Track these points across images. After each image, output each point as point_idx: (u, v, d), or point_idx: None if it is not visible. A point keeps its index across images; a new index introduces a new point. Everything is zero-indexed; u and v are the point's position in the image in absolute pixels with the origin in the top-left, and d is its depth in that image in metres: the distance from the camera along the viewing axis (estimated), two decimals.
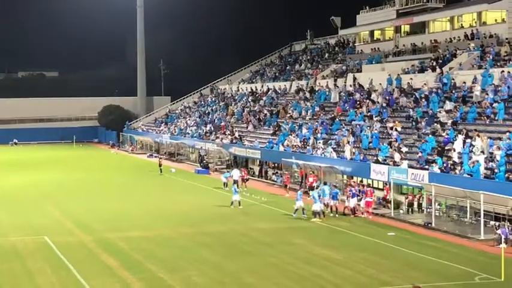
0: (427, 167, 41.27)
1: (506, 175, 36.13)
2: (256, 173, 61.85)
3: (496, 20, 58.04)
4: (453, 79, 51.74)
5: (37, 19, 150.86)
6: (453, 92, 50.14)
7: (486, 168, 38.07)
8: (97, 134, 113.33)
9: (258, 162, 63.10)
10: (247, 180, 54.05)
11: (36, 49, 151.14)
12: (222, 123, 77.90)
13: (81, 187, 55.70)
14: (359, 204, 41.24)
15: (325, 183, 44.76)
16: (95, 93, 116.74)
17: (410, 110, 51.06)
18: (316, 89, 69.94)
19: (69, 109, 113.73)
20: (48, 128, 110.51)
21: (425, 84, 53.00)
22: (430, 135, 45.01)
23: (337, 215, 40.79)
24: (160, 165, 66.04)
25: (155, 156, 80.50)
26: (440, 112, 47.56)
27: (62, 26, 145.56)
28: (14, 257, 30.38)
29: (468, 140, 41.28)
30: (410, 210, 41.18)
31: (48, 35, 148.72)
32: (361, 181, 46.28)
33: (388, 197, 42.53)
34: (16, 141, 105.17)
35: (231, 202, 43.88)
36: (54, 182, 59.18)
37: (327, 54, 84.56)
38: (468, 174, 37.82)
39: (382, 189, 44.49)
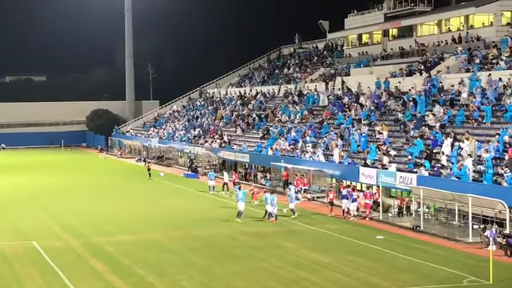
0: (415, 170, 41.38)
1: (494, 178, 36.30)
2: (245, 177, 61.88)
3: (483, 24, 58.33)
4: (441, 82, 51.94)
5: (25, 23, 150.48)
6: (441, 95, 50.33)
7: (474, 171, 38.20)
8: (85, 138, 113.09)
9: (245, 166, 63.20)
10: (238, 183, 53.48)
11: (24, 53, 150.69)
12: (211, 127, 77.87)
13: (69, 191, 55.51)
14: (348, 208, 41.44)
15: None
16: (83, 98, 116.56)
17: (399, 113, 51.20)
18: (305, 93, 70.04)
19: (57, 113, 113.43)
20: (36, 133, 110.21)
21: (412, 87, 53.17)
22: (418, 139, 45.15)
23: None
24: (149, 169, 65.98)
25: (143, 161, 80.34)
26: (428, 115, 47.70)
27: (50, 30, 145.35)
28: (2, 262, 30.22)
29: (456, 143, 41.43)
30: (400, 213, 41.20)
31: (36, 39, 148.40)
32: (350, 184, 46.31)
33: (378, 200, 42.52)
34: (4, 145, 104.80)
35: (238, 213, 40.91)
36: (42, 186, 58.97)
37: (315, 58, 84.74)
38: (456, 177, 37.93)
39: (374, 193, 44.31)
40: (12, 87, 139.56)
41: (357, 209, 41.69)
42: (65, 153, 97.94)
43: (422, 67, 56.67)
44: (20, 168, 75.67)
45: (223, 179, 53.90)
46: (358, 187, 45.24)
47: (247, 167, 63.05)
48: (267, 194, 41.45)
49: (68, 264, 29.60)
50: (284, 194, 47.32)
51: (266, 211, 40.85)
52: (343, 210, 41.65)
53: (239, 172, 63.10)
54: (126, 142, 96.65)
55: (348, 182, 46.25)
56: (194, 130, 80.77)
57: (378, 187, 42.80)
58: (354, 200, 41.59)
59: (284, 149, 57.50)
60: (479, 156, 39.18)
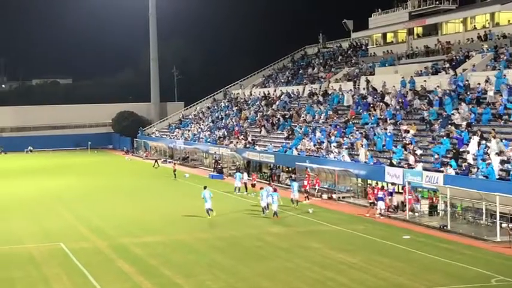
0: (442, 169, 41.09)
1: None
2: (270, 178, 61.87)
3: (509, 21, 57.84)
4: (467, 80, 51.55)
5: (51, 27, 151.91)
6: (467, 93, 49.95)
7: (501, 170, 37.86)
8: (111, 140, 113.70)
9: (269, 167, 63.21)
10: (254, 185, 53.60)
11: (50, 57, 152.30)
12: (236, 128, 77.96)
13: (95, 193, 55.89)
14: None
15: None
16: (109, 100, 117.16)
17: (424, 112, 50.89)
18: (329, 93, 69.87)
19: (83, 116, 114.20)
20: (63, 135, 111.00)
21: (438, 86, 52.83)
22: (445, 138, 44.84)
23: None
24: (174, 170, 66.40)
25: (169, 162, 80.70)
26: (454, 114, 47.37)
27: (76, 34, 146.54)
28: (30, 264, 30.49)
29: (483, 142, 41.09)
30: (432, 212, 40.84)
31: (62, 42, 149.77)
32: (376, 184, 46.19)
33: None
34: (31, 148, 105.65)
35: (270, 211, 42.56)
36: (69, 188, 59.41)
37: (339, 58, 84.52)
38: (483, 176, 37.62)
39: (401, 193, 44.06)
40: (39, 90, 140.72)
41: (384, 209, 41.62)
42: (91, 156, 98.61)
43: (448, 65, 56.29)
44: (47, 171, 76.32)
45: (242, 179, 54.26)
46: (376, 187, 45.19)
47: (271, 167, 63.01)
48: (262, 190, 43.04)
49: (95, 265, 29.80)
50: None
51: (263, 208, 42.48)
52: (380, 210, 41.63)
53: (264, 173, 63.18)
54: (152, 144, 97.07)
55: (374, 182, 46.16)
56: (219, 131, 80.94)
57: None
58: (381, 199, 41.55)
59: (309, 149, 57.41)
60: (506, 154, 38.82)
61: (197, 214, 42.92)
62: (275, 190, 43.08)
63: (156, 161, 79.48)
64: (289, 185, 55.75)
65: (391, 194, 43.09)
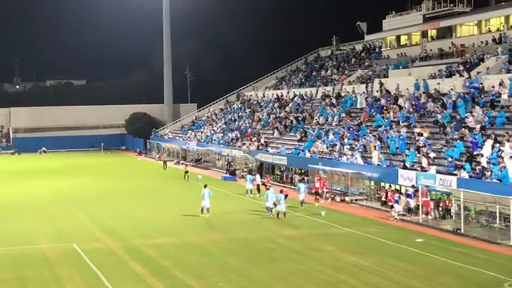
0: (455, 172, 40.93)
1: None
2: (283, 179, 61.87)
3: None
4: (481, 83, 51.34)
5: (64, 29, 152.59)
6: (481, 96, 49.74)
7: None
8: (124, 142, 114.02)
9: (281, 169, 63.20)
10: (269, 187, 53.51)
11: (64, 58, 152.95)
12: (248, 130, 77.98)
13: (108, 194, 56.06)
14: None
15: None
16: (122, 101, 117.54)
17: (438, 115, 50.73)
18: (343, 95, 69.77)
19: (96, 117, 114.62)
20: (77, 136, 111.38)
21: (452, 89, 52.65)
22: (458, 141, 44.68)
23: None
24: (186, 171, 66.52)
25: (182, 163, 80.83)
26: (468, 117, 47.19)
27: (89, 35, 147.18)
28: (43, 264, 30.61)
29: (497, 145, 40.90)
30: (445, 215, 40.65)
31: (76, 43, 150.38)
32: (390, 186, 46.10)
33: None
34: (45, 149, 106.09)
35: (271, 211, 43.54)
36: (82, 189, 59.62)
37: (353, 60, 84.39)
38: (497, 180, 37.44)
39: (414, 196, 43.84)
40: (53, 91, 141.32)
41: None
42: (104, 156, 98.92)
43: (462, 68, 56.09)
44: (60, 172, 76.62)
45: (255, 181, 54.32)
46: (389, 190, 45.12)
47: (283, 169, 62.93)
48: (268, 192, 44.01)
49: (108, 266, 29.88)
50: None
51: (268, 208, 43.40)
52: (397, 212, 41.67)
53: (277, 175, 63.16)
54: (165, 145, 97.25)
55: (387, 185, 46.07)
56: (231, 133, 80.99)
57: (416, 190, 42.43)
58: (396, 202, 41.55)
59: (322, 152, 57.34)
60: None
61: (211, 216, 42.93)
62: (286, 195, 44.84)
63: (165, 162, 79.48)
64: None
65: (409, 196, 42.74)
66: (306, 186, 49.31)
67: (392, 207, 42.38)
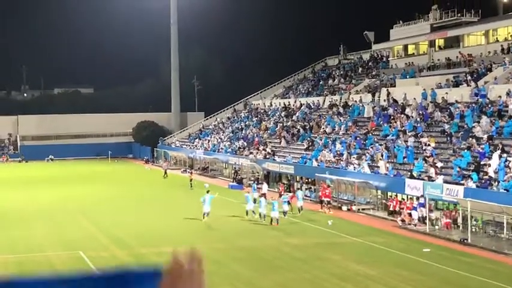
0: (462, 182, 40.82)
1: None
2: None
3: None
4: (488, 93, 51.25)
5: (73, 37, 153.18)
6: (489, 106, 49.65)
7: None
8: (132, 150, 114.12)
9: (288, 178, 63.17)
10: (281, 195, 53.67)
11: (72, 66, 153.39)
12: (256, 139, 77.98)
13: (115, 202, 56.07)
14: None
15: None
16: (130, 110, 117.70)
17: (445, 124, 50.64)
18: (350, 104, 69.75)
19: (104, 125, 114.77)
20: (84, 144, 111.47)
21: (459, 99, 52.56)
22: (466, 150, 44.56)
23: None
24: (191, 179, 66.54)
25: (189, 172, 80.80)
26: (475, 127, 47.09)
27: (97, 43, 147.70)
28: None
29: (504, 155, 40.80)
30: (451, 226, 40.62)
31: (84, 52, 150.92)
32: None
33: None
34: (52, 157, 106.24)
35: (255, 214, 45.29)
36: (89, 197, 59.67)
37: (360, 69, 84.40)
38: (504, 189, 37.32)
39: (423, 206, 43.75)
40: (60, 99, 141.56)
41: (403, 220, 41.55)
42: (111, 165, 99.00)
43: (470, 78, 56.02)
44: (67, 180, 76.69)
45: (261, 189, 54.21)
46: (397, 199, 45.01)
47: (290, 178, 62.87)
48: (261, 198, 45.48)
49: None
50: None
51: (261, 214, 44.19)
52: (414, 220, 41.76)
53: (283, 183, 63.08)
54: (172, 153, 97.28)
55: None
56: (238, 141, 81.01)
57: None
58: (415, 209, 41.64)
59: (329, 161, 57.28)
60: None
61: (216, 224, 42.92)
62: (289, 202, 46.24)
63: (165, 171, 78.87)
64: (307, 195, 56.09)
65: (422, 205, 42.67)
66: (303, 193, 50.69)
67: (410, 215, 42.27)
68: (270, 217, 43.21)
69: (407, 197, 45.07)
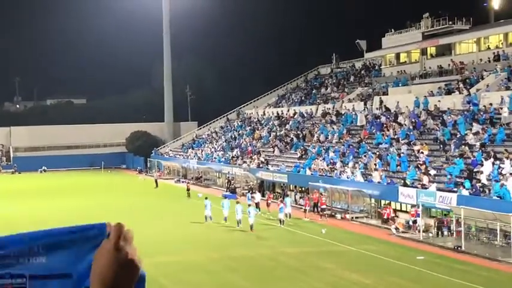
0: (455, 189, 40.92)
1: None
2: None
3: None
4: (480, 101, 51.45)
5: (65, 48, 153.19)
6: (481, 113, 49.83)
7: None
8: (125, 160, 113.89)
9: (281, 186, 63.20)
10: (269, 205, 53.83)
11: (65, 77, 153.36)
12: (249, 148, 78.02)
13: (109, 213, 55.87)
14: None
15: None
16: (123, 120, 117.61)
17: (438, 132, 50.79)
18: (343, 113, 69.89)
19: (97, 136, 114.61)
20: (77, 155, 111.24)
21: (451, 106, 52.74)
22: (459, 158, 44.69)
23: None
24: (188, 189, 66.58)
25: (182, 182, 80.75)
26: (468, 134, 47.25)
27: (90, 54, 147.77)
28: None
29: (497, 162, 40.93)
30: (438, 233, 40.75)
31: (76, 63, 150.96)
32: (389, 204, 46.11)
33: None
34: (45, 168, 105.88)
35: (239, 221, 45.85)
36: (83, 208, 59.44)
37: (352, 78, 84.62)
38: (497, 197, 37.42)
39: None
40: (53, 110, 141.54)
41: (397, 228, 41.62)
42: (105, 175, 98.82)
43: (462, 85, 56.23)
44: (60, 191, 76.48)
45: (254, 198, 54.43)
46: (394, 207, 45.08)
47: (283, 187, 62.94)
48: (237, 205, 46.27)
49: None
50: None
51: (238, 221, 45.53)
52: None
53: (277, 192, 63.11)
54: (165, 163, 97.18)
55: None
56: (232, 151, 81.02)
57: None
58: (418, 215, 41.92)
59: (322, 169, 57.35)
60: None
61: (211, 234, 42.87)
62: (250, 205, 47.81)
63: (156, 181, 79.16)
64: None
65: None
66: (291, 200, 51.42)
67: (415, 222, 42.32)
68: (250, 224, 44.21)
69: (405, 205, 45.06)
